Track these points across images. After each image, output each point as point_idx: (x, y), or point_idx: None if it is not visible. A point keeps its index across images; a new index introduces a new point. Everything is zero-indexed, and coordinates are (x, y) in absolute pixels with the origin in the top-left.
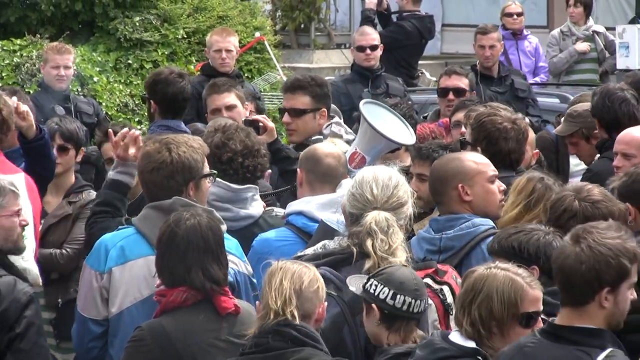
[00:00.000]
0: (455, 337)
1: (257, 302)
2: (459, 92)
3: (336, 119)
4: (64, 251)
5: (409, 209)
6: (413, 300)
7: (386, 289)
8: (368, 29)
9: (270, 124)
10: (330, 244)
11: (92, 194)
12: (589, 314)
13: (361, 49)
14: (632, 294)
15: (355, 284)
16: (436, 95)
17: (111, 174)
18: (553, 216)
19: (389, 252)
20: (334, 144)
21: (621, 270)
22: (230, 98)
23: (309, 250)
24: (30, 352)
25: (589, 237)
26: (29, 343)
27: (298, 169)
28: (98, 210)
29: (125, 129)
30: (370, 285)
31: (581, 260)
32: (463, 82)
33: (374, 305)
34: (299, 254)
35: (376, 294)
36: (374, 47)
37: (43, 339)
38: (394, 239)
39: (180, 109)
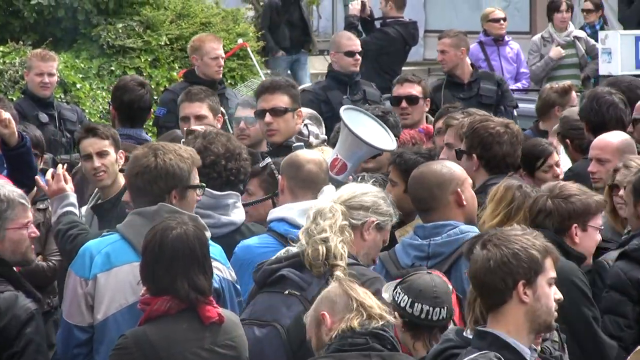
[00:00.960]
0: (468, 332)
1: (322, 313)
2: (411, 99)
3: (306, 120)
4: (50, 263)
5: (377, 219)
6: (431, 308)
7: (405, 297)
8: (351, 34)
9: None
10: (293, 249)
11: None
12: (506, 316)
13: (351, 54)
14: (556, 293)
15: (388, 290)
16: None
17: (58, 212)
18: (531, 219)
19: (323, 232)
20: (320, 152)
21: (532, 262)
22: (202, 108)
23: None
24: None
25: (493, 238)
26: None
27: (279, 176)
28: (67, 227)
29: (52, 170)
30: (395, 293)
31: (489, 258)
32: (415, 90)
33: (396, 314)
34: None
35: (398, 301)
36: (361, 53)
37: (42, 356)
38: (335, 223)
39: (137, 118)
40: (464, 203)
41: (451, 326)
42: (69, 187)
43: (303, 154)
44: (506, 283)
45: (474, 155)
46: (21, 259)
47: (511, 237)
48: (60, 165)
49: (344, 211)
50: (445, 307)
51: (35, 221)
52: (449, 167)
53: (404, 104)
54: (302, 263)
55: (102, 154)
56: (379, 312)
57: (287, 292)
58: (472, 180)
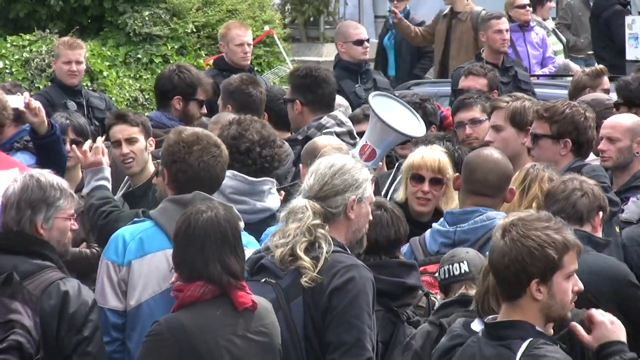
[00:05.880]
0: (476, 325)
1: None
2: None
3: (328, 119)
4: (94, 250)
5: (354, 195)
6: (450, 266)
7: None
8: (357, 23)
9: None
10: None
11: None
12: (522, 308)
13: (360, 42)
14: (575, 285)
15: None
16: (447, 88)
17: (91, 184)
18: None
19: (288, 237)
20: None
21: (547, 262)
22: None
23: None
24: (97, 356)
25: (513, 229)
26: (97, 346)
27: (301, 165)
28: (101, 203)
29: (90, 141)
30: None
31: (504, 253)
32: (479, 83)
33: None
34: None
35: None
36: (368, 41)
37: (103, 342)
38: (303, 224)
39: (161, 101)
40: (508, 198)
41: (460, 319)
42: (105, 161)
43: (320, 140)
44: (519, 280)
45: (568, 139)
46: (63, 250)
47: (531, 231)
48: (100, 138)
49: (316, 208)
50: (466, 262)
51: (80, 208)
52: (508, 161)
53: None
54: None
55: (131, 141)
56: None
57: (263, 280)
58: (556, 164)
